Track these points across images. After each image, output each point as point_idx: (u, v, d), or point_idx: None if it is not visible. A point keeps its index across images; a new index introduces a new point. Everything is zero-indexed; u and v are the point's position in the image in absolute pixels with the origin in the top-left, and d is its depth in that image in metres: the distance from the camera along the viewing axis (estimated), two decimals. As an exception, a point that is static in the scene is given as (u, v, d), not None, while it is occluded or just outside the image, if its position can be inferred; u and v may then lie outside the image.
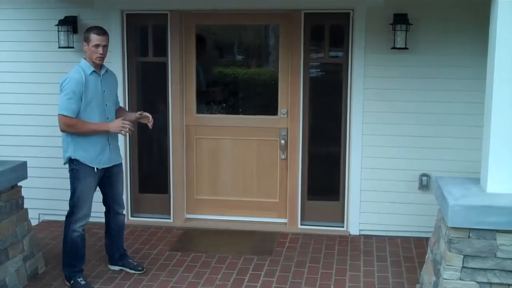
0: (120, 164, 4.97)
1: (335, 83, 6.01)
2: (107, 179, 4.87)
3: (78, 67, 4.64)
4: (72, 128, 4.58)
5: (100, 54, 4.61)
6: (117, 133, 4.70)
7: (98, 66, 4.70)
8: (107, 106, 4.73)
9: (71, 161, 4.69)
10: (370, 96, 5.77)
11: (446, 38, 5.57)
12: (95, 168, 4.70)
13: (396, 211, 5.87)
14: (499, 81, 3.93)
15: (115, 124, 4.65)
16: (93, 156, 4.68)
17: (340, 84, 5.94)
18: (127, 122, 4.67)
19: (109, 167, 4.82)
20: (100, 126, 4.64)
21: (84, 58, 4.68)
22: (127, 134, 4.85)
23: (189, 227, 6.20)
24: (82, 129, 4.59)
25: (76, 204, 4.72)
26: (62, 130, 4.62)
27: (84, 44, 4.65)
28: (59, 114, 4.56)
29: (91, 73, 4.63)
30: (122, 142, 5.94)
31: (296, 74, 5.91)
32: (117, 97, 5.03)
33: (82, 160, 4.66)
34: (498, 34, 3.90)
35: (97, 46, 4.60)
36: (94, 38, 4.60)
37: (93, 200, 4.80)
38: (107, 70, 4.81)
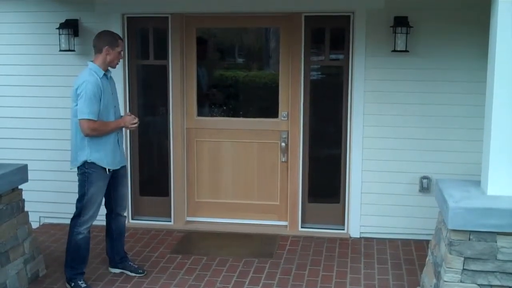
0: (125, 167, 5.00)
1: (335, 85, 6.02)
2: (113, 181, 4.89)
3: (90, 70, 4.64)
4: (97, 131, 4.59)
5: (120, 59, 4.80)
6: (129, 128, 4.84)
7: (106, 70, 4.75)
8: (115, 107, 4.81)
9: (83, 164, 4.68)
10: (371, 99, 5.77)
11: (446, 40, 5.57)
12: (107, 170, 4.72)
13: (396, 214, 5.87)
14: (500, 83, 3.94)
15: (127, 119, 4.80)
16: (110, 158, 4.72)
17: (340, 86, 5.95)
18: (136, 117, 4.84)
19: (116, 169, 4.85)
20: (118, 123, 4.74)
21: (92, 61, 4.71)
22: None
23: (189, 230, 6.20)
24: (105, 130, 4.64)
25: (85, 206, 4.72)
26: (86, 135, 4.58)
27: (108, 48, 4.66)
28: (81, 119, 4.52)
29: (102, 76, 4.68)
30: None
31: (297, 77, 5.92)
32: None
33: (98, 162, 4.66)
34: (498, 37, 3.90)
35: (121, 52, 4.75)
36: (121, 44, 4.78)
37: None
38: (110, 74, 4.87)
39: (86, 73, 4.62)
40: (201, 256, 5.48)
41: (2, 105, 6.26)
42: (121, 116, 4.92)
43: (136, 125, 4.83)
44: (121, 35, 5.96)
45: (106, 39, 4.71)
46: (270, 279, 5.01)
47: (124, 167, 4.97)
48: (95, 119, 4.54)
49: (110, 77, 4.84)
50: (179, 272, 5.17)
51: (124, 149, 5.24)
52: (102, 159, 4.68)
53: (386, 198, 5.87)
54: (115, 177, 4.88)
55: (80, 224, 4.75)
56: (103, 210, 5.02)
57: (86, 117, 4.51)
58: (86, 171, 4.68)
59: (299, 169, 6.06)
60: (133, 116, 4.83)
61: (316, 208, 6.17)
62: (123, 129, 4.93)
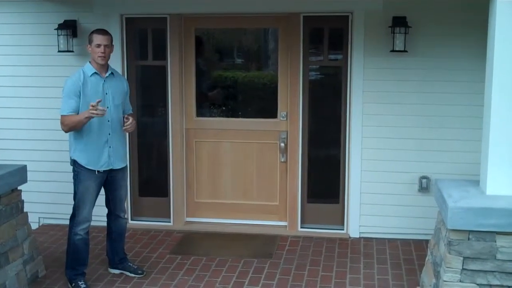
0: (123, 169, 4.93)
1: (334, 86, 6.02)
2: (109, 183, 4.88)
3: (80, 69, 4.73)
4: (63, 124, 4.64)
5: (101, 53, 4.65)
6: (89, 117, 4.50)
7: (102, 69, 4.73)
8: (108, 108, 4.71)
9: (74, 163, 4.73)
10: (370, 99, 5.78)
11: (445, 41, 5.58)
12: (96, 171, 4.71)
13: (396, 214, 5.87)
14: (498, 83, 3.95)
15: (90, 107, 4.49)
16: (91, 158, 4.69)
17: (339, 87, 5.95)
18: (96, 105, 4.49)
19: (112, 171, 4.81)
20: (82, 114, 4.55)
21: (90, 61, 4.74)
22: (100, 116, 4.54)
23: (189, 231, 6.20)
24: (71, 124, 4.61)
25: (77, 206, 4.75)
26: (64, 131, 4.69)
27: (88, 46, 4.75)
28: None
29: (92, 74, 4.68)
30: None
31: (296, 77, 5.92)
32: (127, 103, 4.98)
33: (79, 161, 4.69)
34: (497, 37, 3.91)
35: (98, 45, 4.67)
36: (95, 38, 4.69)
37: (95, 204, 4.82)
38: (113, 73, 4.82)
39: (76, 71, 4.72)
40: (200, 257, 5.48)
41: (1, 106, 6.26)
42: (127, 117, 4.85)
43: (97, 112, 4.42)
44: (119, 36, 6.00)
45: (88, 38, 4.78)
46: (270, 280, 5.01)
47: (121, 170, 4.90)
48: (67, 114, 4.60)
49: (112, 77, 4.78)
50: (178, 272, 5.17)
51: (127, 151, 5.18)
52: (83, 158, 4.68)
53: (386, 198, 5.87)
54: (112, 179, 4.87)
55: (76, 225, 4.75)
56: (103, 211, 5.03)
57: (60, 113, 4.64)
58: (75, 169, 4.73)
59: (298, 169, 6.06)
60: (92, 105, 4.44)
61: (315, 208, 6.17)
62: (124, 131, 4.88)
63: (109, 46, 4.73)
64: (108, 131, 4.72)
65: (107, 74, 4.76)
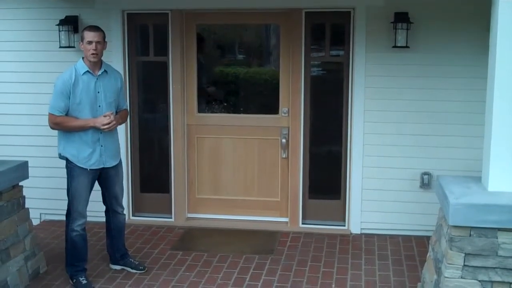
0: (116, 167, 4.90)
1: (336, 82, 6.01)
2: (104, 180, 4.87)
3: (72, 67, 4.67)
4: (59, 125, 4.63)
5: (93, 50, 4.58)
6: (100, 128, 4.63)
7: (95, 66, 4.67)
8: (100, 107, 4.67)
9: (66, 159, 4.72)
10: (371, 95, 5.77)
11: (447, 36, 5.57)
12: (88, 168, 4.70)
13: (397, 210, 5.87)
14: (500, 79, 3.93)
15: (100, 119, 4.62)
16: (82, 155, 4.66)
17: (341, 83, 5.94)
18: (111, 117, 4.64)
19: (104, 168, 4.79)
20: (87, 122, 4.62)
21: (82, 58, 4.69)
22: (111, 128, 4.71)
23: (190, 226, 6.20)
24: (69, 125, 4.61)
25: (71, 202, 4.76)
26: (51, 128, 4.70)
27: (80, 43, 4.69)
28: (48, 113, 4.64)
29: (84, 73, 4.62)
30: (123, 141, 5.94)
31: (297, 73, 5.91)
32: (121, 99, 4.93)
33: (70, 158, 4.68)
34: (499, 33, 3.89)
35: (89, 43, 4.59)
36: (86, 35, 4.62)
37: (92, 199, 4.83)
38: (106, 71, 4.74)
39: (67, 69, 4.67)
40: (201, 253, 5.49)
41: (3, 102, 6.26)
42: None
43: (107, 126, 4.60)
44: (121, 32, 6.00)
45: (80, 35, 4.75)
46: (271, 275, 5.02)
47: (114, 168, 4.87)
48: (57, 114, 4.58)
49: (105, 75, 4.72)
50: (180, 268, 5.17)
51: (122, 145, 5.18)
52: (73, 156, 4.67)
53: (387, 194, 5.87)
54: (106, 177, 4.85)
55: (72, 221, 4.75)
56: (103, 207, 5.03)
57: (49, 111, 4.62)
58: (68, 165, 4.73)
59: (300, 165, 6.06)
60: (108, 117, 4.61)
61: (317, 204, 6.17)
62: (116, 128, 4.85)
63: (101, 43, 4.65)
64: (100, 129, 4.67)
65: (99, 72, 4.68)
